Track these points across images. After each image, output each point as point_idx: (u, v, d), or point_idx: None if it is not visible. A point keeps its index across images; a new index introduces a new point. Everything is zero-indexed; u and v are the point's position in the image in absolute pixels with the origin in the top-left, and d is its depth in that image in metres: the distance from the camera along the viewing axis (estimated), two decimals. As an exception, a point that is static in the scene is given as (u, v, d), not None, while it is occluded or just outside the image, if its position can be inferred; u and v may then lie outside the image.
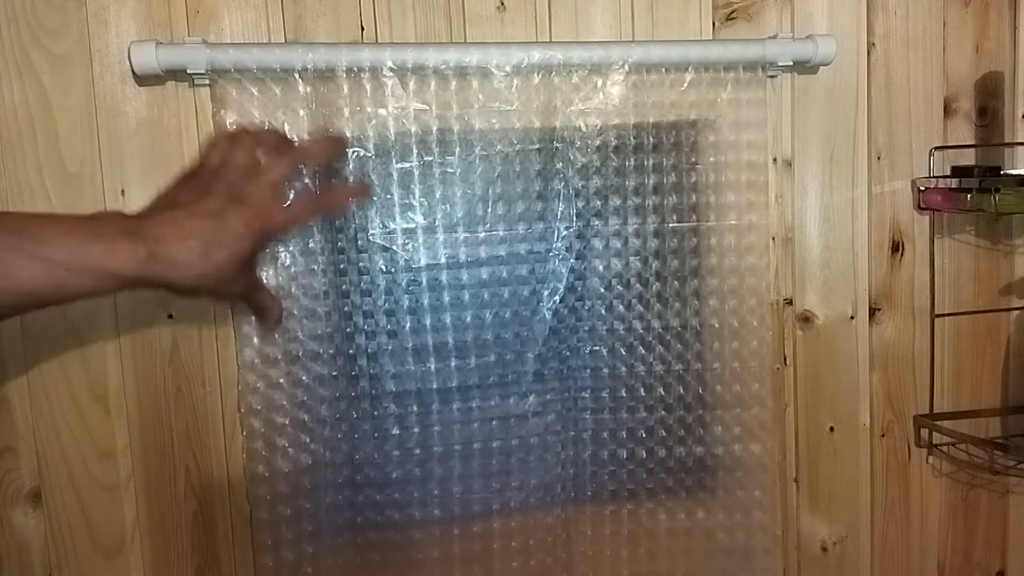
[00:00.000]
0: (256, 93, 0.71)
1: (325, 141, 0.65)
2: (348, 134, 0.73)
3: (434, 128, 0.75)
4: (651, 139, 0.79)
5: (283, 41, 0.75)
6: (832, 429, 0.91)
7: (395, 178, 0.75)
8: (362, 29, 0.77)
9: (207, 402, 0.78)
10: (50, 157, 0.72)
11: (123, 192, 0.74)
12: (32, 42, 0.71)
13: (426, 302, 0.77)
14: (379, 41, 0.77)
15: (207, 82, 0.72)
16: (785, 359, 0.89)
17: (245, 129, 0.58)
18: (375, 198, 0.75)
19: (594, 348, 0.81)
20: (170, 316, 0.76)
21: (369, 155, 0.74)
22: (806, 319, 0.89)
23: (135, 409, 0.76)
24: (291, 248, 0.74)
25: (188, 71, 0.70)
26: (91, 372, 0.75)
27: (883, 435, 0.93)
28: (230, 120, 0.71)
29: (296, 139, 0.62)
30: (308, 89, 0.72)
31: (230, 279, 0.51)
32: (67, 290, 0.45)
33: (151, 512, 0.78)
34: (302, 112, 0.72)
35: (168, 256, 0.47)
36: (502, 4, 0.79)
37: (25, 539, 0.76)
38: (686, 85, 0.78)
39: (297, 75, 0.71)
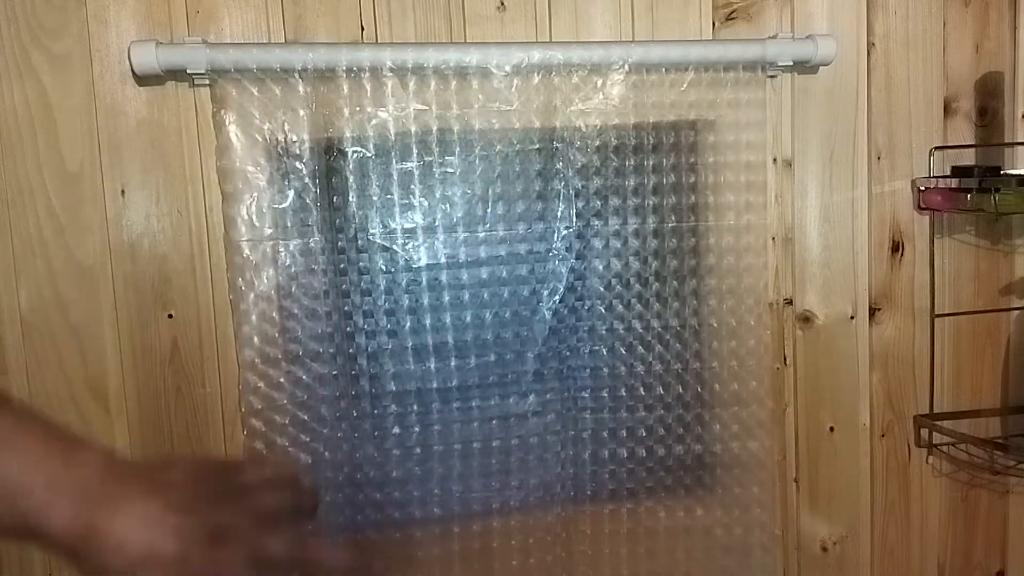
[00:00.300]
0: (256, 93, 0.71)
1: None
2: (348, 134, 0.73)
3: (434, 128, 0.75)
4: (651, 139, 0.79)
5: (283, 41, 0.75)
6: (832, 429, 0.91)
7: (395, 178, 0.75)
8: (362, 29, 0.77)
9: (207, 402, 0.78)
10: (50, 157, 0.72)
11: (123, 192, 0.74)
12: (32, 42, 0.71)
13: (426, 302, 0.77)
14: (379, 41, 0.77)
15: (207, 82, 0.72)
16: (785, 359, 0.89)
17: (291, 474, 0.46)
18: (375, 199, 0.75)
19: (594, 348, 0.81)
20: (170, 316, 0.76)
21: (369, 155, 0.74)
22: (806, 319, 0.89)
23: (135, 409, 0.76)
24: (292, 248, 0.74)
25: (188, 71, 0.70)
26: (91, 372, 0.75)
27: (883, 435, 0.93)
28: (230, 119, 0.71)
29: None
30: (308, 89, 0.72)
31: None
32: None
33: (151, 512, 0.78)
34: (302, 112, 0.72)
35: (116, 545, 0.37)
36: (502, 4, 0.79)
37: (25, 539, 0.75)
38: (686, 85, 0.78)
39: (297, 75, 0.71)
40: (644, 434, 0.83)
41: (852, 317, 0.90)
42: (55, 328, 0.74)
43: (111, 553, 0.37)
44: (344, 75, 0.72)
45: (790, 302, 0.89)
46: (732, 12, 0.84)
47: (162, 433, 0.77)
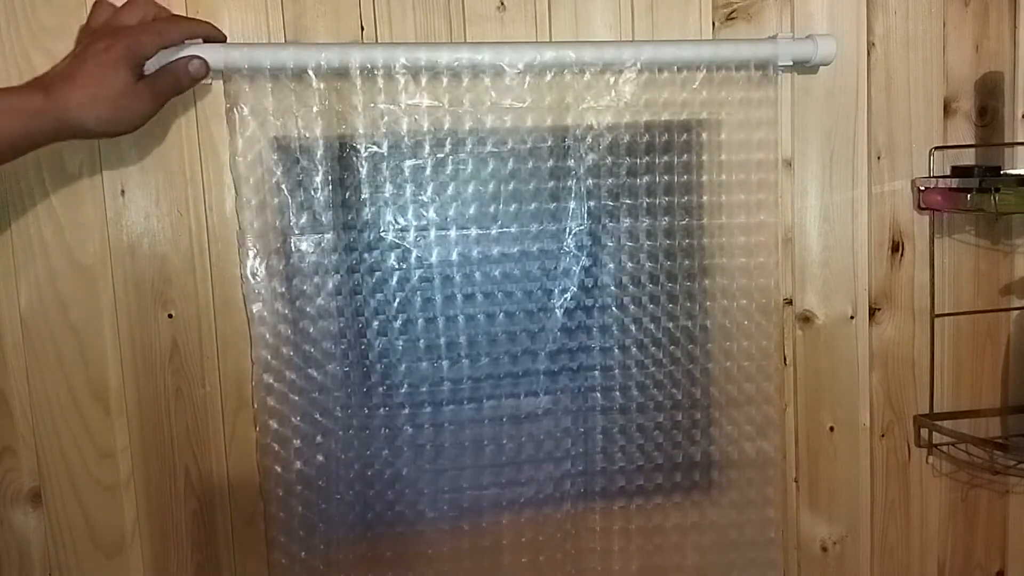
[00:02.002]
0: (268, 91, 0.72)
1: (199, 26, 0.71)
2: (360, 132, 0.74)
3: (446, 126, 0.75)
4: (661, 138, 0.80)
5: (283, 41, 0.75)
6: (832, 429, 0.91)
7: (408, 176, 0.76)
8: (362, 29, 0.77)
9: (207, 402, 0.78)
10: (50, 157, 0.72)
11: (123, 192, 0.74)
12: (32, 42, 0.71)
13: (438, 300, 0.78)
14: (379, 41, 0.77)
15: (208, 82, 0.72)
16: (785, 359, 0.89)
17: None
18: (387, 195, 0.75)
19: (605, 346, 0.81)
20: (170, 316, 0.76)
21: (382, 153, 0.75)
22: (806, 319, 0.89)
23: (135, 409, 0.76)
24: (304, 246, 0.74)
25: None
26: (91, 372, 0.75)
27: (883, 435, 0.93)
28: (240, 117, 0.71)
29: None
30: (320, 87, 0.72)
31: (136, 108, 0.64)
32: None
33: (151, 512, 0.78)
34: (314, 110, 0.72)
35: (66, 95, 0.60)
36: (502, 4, 0.79)
37: (25, 539, 0.76)
38: (696, 84, 0.78)
39: (310, 73, 0.71)
40: (655, 432, 0.83)
41: (852, 317, 0.90)
42: (55, 328, 0.74)
43: (79, 107, 0.60)
44: (357, 73, 0.72)
45: (790, 302, 0.89)
46: (732, 12, 0.84)
47: (162, 433, 0.77)
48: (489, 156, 0.77)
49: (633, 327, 0.82)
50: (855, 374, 0.91)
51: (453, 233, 0.77)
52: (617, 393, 0.82)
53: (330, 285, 0.75)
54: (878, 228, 0.90)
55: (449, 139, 0.76)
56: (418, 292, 0.77)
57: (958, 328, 0.93)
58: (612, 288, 0.81)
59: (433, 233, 0.77)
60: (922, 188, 0.89)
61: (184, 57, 0.67)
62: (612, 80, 0.77)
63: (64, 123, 0.60)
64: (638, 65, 0.76)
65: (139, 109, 0.64)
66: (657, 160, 0.80)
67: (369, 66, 0.72)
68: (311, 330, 0.75)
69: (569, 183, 0.79)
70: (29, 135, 0.59)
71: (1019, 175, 0.85)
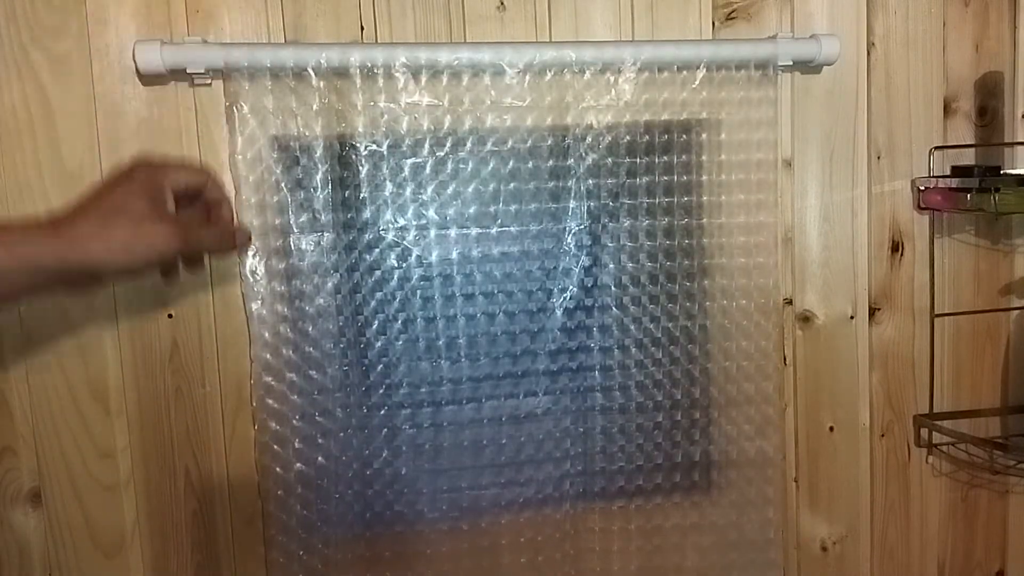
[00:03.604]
0: (268, 91, 0.72)
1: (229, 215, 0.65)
2: (360, 131, 0.74)
3: (445, 125, 0.76)
4: (661, 137, 0.80)
5: (283, 41, 0.75)
6: (832, 429, 0.91)
7: (407, 175, 0.76)
8: (362, 29, 0.77)
9: (207, 402, 0.78)
10: (50, 157, 0.72)
11: (123, 192, 0.74)
12: (32, 42, 0.71)
13: (438, 300, 0.78)
14: (379, 41, 0.77)
15: (207, 81, 0.73)
16: (785, 359, 0.89)
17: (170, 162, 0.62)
18: (387, 195, 0.76)
19: (605, 346, 0.81)
20: (170, 316, 0.76)
21: (381, 152, 0.75)
22: (806, 319, 0.89)
23: (135, 409, 0.76)
24: (304, 245, 0.74)
25: (188, 71, 0.70)
26: (91, 372, 0.75)
27: (883, 435, 0.93)
28: (240, 117, 0.71)
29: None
30: (320, 86, 0.72)
31: (153, 244, 0.56)
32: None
33: (151, 512, 0.78)
34: (314, 110, 0.72)
35: (75, 225, 0.53)
36: (502, 4, 0.79)
37: (25, 539, 0.76)
38: (696, 84, 0.78)
39: (310, 72, 0.71)
40: (654, 432, 0.83)
41: (852, 317, 0.90)
42: (55, 328, 0.74)
43: (100, 257, 0.53)
44: (357, 72, 0.72)
45: (790, 302, 0.89)
46: (732, 12, 0.84)
47: (162, 433, 0.77)
48: (489, 155, 0.77)
49: (633, 327, 0.82)
50: (855, 374, 0.91)
51: (453, 232, 0.77)
52: (617, 393, 0.82)
53: (330, 284, 0.75)
54: (878, 228, 0.90)
55: (449, 138, 0.76)
56: (418, 292, 0.78)
57: (958, 328, 0.93)
58: (612, 288, 0.81)
59: (433, 232, 0.77)
60: (922, 188, 0.89)
61: (237, 227, 0.64)
62: (612, 80, 0.77)
63: (71, 257, 0.52)
64: (638, 65, 0.76)
65: (157, 245, 0.55)
66: (657, 160, 0.80)
67: (369, 65, 0.72)
68: (311, 330, 0.75)
69: (569, 183, 0.79)
70: (30, 273, 0.51)
71: (1019, 175, 0.85)
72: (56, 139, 0.72)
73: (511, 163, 0.77)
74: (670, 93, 0.79)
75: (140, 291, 0.75)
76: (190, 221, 0.60)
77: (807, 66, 0.83)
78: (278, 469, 0.76)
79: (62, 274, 0.53)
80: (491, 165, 0.77)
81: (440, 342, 0.78)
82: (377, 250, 0.77)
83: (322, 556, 0.77)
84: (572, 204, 0.79)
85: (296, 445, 0.76)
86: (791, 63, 0.80)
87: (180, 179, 0.60)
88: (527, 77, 0.75)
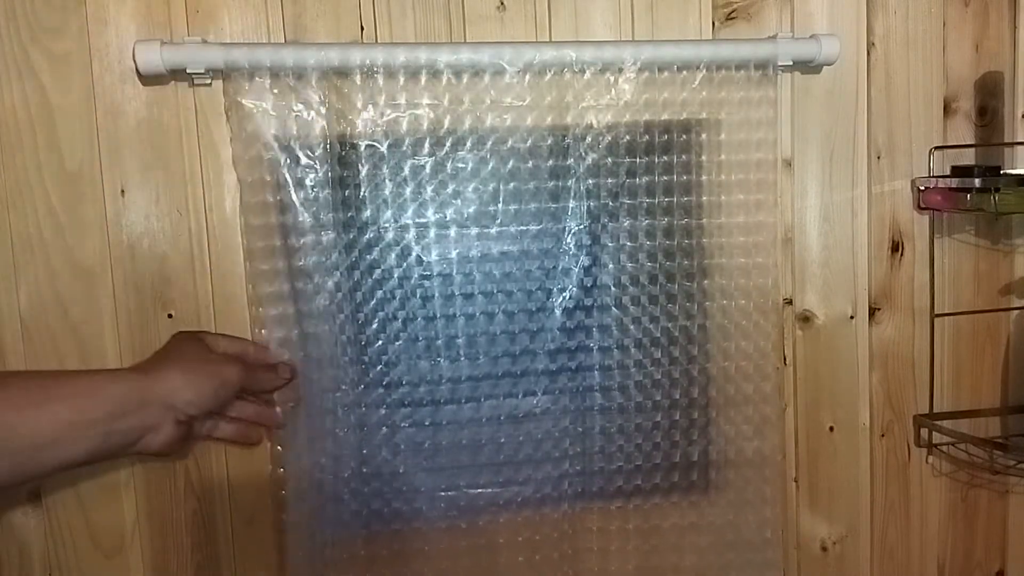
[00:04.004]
0: (268, 91, 0.72)
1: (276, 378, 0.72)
2: (360, 132, 0.74)
3: (445, 125, 0.75)
4: (661, 137, 0.80)
5: (283, 41, 0.75)
6: (832, 429, 0.91)
7: (407, 174, 0.76)
8: (362, 29, 0.77)
9: (207, 402, 0.77)
10: (50, 157, 0.72)
11: (123, 192, 0.74)
12: (32, 42, 0.71)
13: (438, 299, 0.78)
14: (379, 41, 0.77)
15: (207, 81, 0.73)
16: (785, 359, 0.89)
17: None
18: (387, 194, 0.76)
19: (604, 346, 0.81)
20: (170, 316, 0.76)
21: (382, 152, 0.75)
22: (806, 319, 0.89)
23: (135, 409, 0.76)
24: (304, 245, 0.74)
25: (188, 71, 0.70)
26: (91, 372, 0.75)
27: (883, 435, 0.93)
28: (241, 117, 0.71)
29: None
30: (320, 86, 0.72)
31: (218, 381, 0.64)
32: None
33: (151, 512, 0.78)
34: (314, 109, 0.72)
35: (162, 368, 0.60)
36: (502, 4, 0.79)
37: (25, 539, 0.76)
38: (696, 84, 0.78)
39: (310, 73, 0.71)
40: (654, 432, 0.83)
41: (852, 317, 0.90)
42: (55, 328, 0.74)
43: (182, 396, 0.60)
44: (357, 72, 0.72)
45: (790, 302, 0.89)
46: (732, 12, 0.84)
47: (162, 433, 0.77)
48: (489, 155, 0.77)
49: (632, 327, 0.82)
50: (855, 374, 0.91)
51: (452, 232, 0.77)
52: (616, 393, 0.82)
53: (330, 284, 0.75)
54: (878, 228, 0.90)
55: (449, 138, 0.76)
56: (417, 291, 0.77)
57: (958, 328, 0.93)
58: (611, 287, 0.81)
59: (433, 232, 0.77)
60: (922, 188, 0.89)
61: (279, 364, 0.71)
62: (612, 80, 0.77)
63: (154, 398, 0.58)
64: (638, 65, 0.76)
65: (223, 373, 0.64)
66: (656, 160, 0.80)
67: (369, 64, 0.72)
68: (310, 329, 0.75)
69: (569, 182, 0.79)
70: (112, 417, 0.56)
71: (1019, 175, 0.85)
72: (56, 139, 0.72)
73: (511, 163, 0.77)
74: (670, 93, 0.79)
75: (140, 291, 0.75)
76: (238, 364, 0.66)
77: (807, 66, 0.83)
78: (278, 469, 0.76)
79: (139, 417, 0.57)
80: (491, 165, 0.77)
81: (439, 341, 0.78)
82: (377, 249, 0.77)
83: (321, 554, 0.77)
84: (572, 204, 0.79)
85: (295, 443, 0.76)
86: (791, 63, 0.80)
87: (218, 341, 0.67)
88: (527, 77, 0.75)
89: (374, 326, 0.77)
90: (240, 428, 0.73)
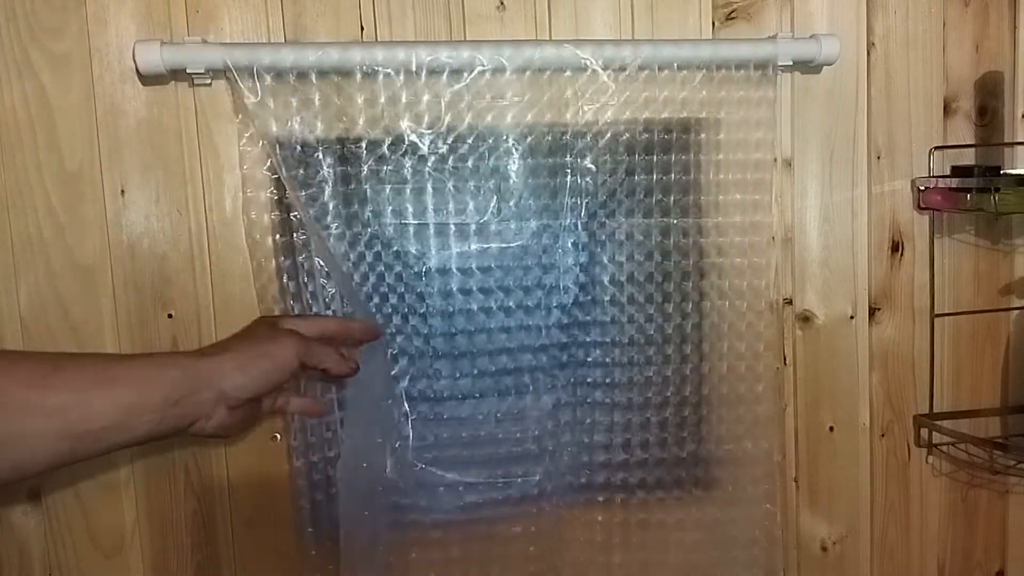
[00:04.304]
0: (269, 91, 0.72)
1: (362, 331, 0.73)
2: (360, 132, 0.74)
3: (445, 123, 0.75)
4: (659, 137, 0.79)
5: (283, 41, 0.75)
6: (832, 429, 0.91)
7: (407, 173, 0.76)
8: (362, 29, 0.77)
9: (207, 402, 0.77)
10: (50, 157, 0.72)
11: (123, 192, 0.74)
12: (32, 42, 0.71)
13: (438, 299, 0.78)
14: (379, 40, 0.77)
15: (207, 81, 0.73)
16: (785, 359, 0.89)
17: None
18: (388, 193, 0.76)
19: (602, 343, 0.81)
20: (170, 316, 0.76)
21: (382, 152, 0.75)
22: (806, 319, 0.89)
23: (135, 409, 0.76)
24: (304, 244, 0.74)
25: (188, 71, 0.70)
26: (91, 372, 0.75)
27: (883, 435, 0.93)
28: (243, 112, 0.72)
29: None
30: (321, 87, 0.72)
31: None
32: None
33: (151, 512, 0.78)
34: (315, 110, 0.72)
35: (219, 353, 0.60)
36: (502, 4, 0.79)
37: (25, 539, 0.76)
38: (696, 83, 0.78)
39: (311, 73, 0.71)
40: (653, 431, 0.83)
41: (852, 317, 0.90)
42: (55, 328, 0.74)
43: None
44: (357, 71, 0.72)
45: (790, 302, 0.89)
46: (732, 12, 0.84)
47: (162, 433, 0.77)
48: (488, 153, 0.77)
49: (630, 325, 0.82)
50: (855, 374, 0.91)
51: (452, 229, 0.77)
52: (615, 391, 0.82)
53: (329, 287, 0.75)
54: (878, 228, 0.90)
55: (449, 136, 0.76)
56: (417, 288, 0.78)
57: (958, 328, 0.93)
58: (609, 286, 0.81)
59: (432, 229, 0.77)
60: (922, 188, 0.89)
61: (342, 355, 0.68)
62: (611, 78, 0.77)
63: (204, 384, 0.57)
64: (637, 64, 0.76)
65: (281, 352, 0.62)
66: (655, 159, 0.80)
67: (369, 63, 0.72)
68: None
69: (567, 181, 0.79)
70: (167, 402, 0.55)
71: (1019, 175, 0.85)
72: (56, 139, 0.72)
73: (510, 161, 0.77)
74: (669, 92, 0.78)
75: (140, 291, 0.75)
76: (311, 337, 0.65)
77: (807, 66, 0.83)
78: (278, 467, 0.76)
79: (191, 399, 0.56)
80: (490, 163, 0.77)
81: (438, 338, 0.78)
82: (377, 247, 0.77)
83: (321, 552, 0.77)
84: (570, 202, 0.79)
85: (295, 442, 0.76)
86: (791, 63, 0.80)
87: (296, 323, 0.66)
88: (526, 75, 0.75)
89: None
90: (307, 401, 0.73)
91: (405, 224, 0.77)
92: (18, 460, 0.46)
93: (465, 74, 0.75)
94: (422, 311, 0.78)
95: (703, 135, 0.81)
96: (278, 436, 0.78)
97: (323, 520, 0.77)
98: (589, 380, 0.82)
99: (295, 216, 0.74)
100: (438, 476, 0.79)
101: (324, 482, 0.77)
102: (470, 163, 0.77)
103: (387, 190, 0.76)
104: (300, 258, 0.74)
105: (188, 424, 0.58)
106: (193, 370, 0.57)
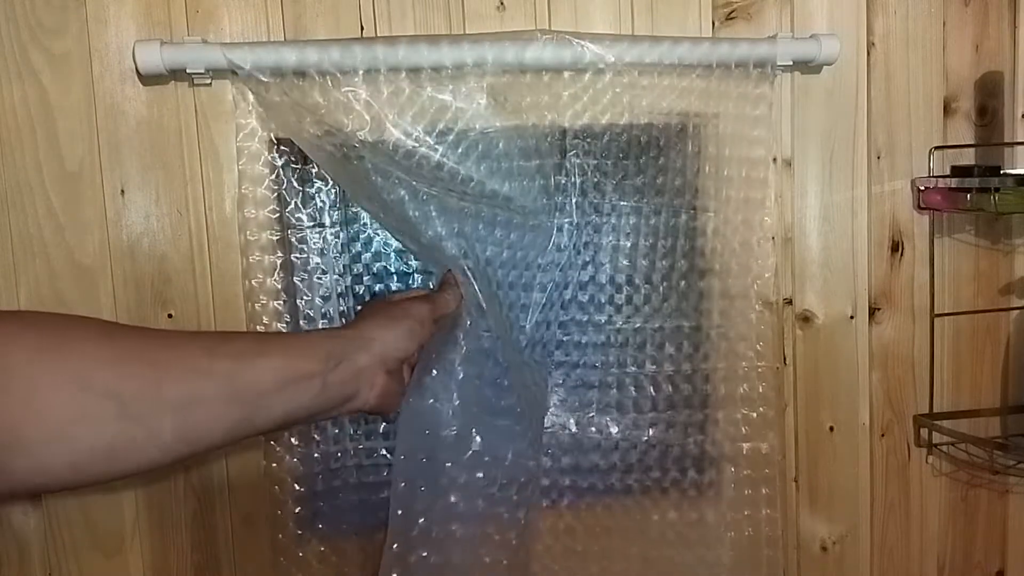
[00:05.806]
0: (269, 91, 0.71)
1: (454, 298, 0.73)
2: (359, 132, 0.74)
3: (445, 122, 0.75)
4: (655, 136, 0.79)
5: (283, 40, 0.75)
6: (832, 429, 0.91)
7: (405, 175, 0.75)
8: (361, 28, 0.77)
9: (207, 402, 0.77)
10: (50, 157, 0.72)
11: (122, 192, 0.74)
12: (32, 42, 0.71)
13: None
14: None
15: (207, 81, 0.73)
16: (785, 359, 0.89)
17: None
18: (385, 196, 0.75)
19: (599, 342, 0.81)
20: (170, 316, 0.76)
21: (381, 152, 0.74)
22: (806, 319, 0.89)
23: (135, 409, 0.76)
24: (303, 243, 0.74)
25: (188, 71, 0.70)
26: (91, 372, 0.75)
27: (883, 435, 0.93)
28: (243, 117, 0.72)
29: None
30: (321, 86, 0.72)
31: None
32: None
33: (151, 512, 0.78)
34: (314, 109, 0.72)
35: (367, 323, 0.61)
36: (501, 3, 0.79)
37: (25, 538, 0.76)
38: (693, 80, 0.78)
39: (312, 73, 0.71)
40: (652, 431, 0.83)
41: (852, 317, 0.90)
42: (55, 328, 0.74)
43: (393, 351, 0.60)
44: (357, 70, 0.72)
45: (790, 302, 0.89)
46: (732, 12, 0.84)
47: (162, 433, 0.77)
48: (487, 152, 0.77)
49: (628, 325, 0.81)
50: (855, 374, 0.91)
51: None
52: (614, 391, 0.82)
53: (328, 285, 0.75)
54: (878, 228, 0.90)
55: (449, 136, 0.76)
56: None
57: (958, 328, 0.93)
58: (607, 286, 0.81)
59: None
60: (922, 188, 0.89)
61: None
62: (610, 77, 0.77)
63: (361, 349, 0.58)
64: (636, 63, 0.76)
65: (417, 308, 0.65)
66: (653, 158, 0.80)
67: (369, 62, 0.72)
68: (310, 327, 0.75)
69: (565, 180, 0.78)
70: (327, 369, 0.55)
71: (1019, 175, 0.85)
72: (56, 139, 0.72)
73: (508, 160, 0.77)
74: (669, 92, 0.78)
75: (140, 291, 0.75)
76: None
77: (807, 66, 0.83)
78: (276, 466, 0.76)
79: (346, 369, 0.56)
80: (488, 161, 0.77)
81: None
82: (376, 246, 0.77)
83: (321, 553, 0.77)
84: (568, 201, 0.79)
85: (294, 441, 0.76)
86: (791, 63, 0.80)
87: (400, 295, 0.68)
88: (524, 76, 0.75)
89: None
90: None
91: (404, 223, 0.77)
92: (195, 427, 0.47)
93: (465, 72, 0.74)
94: None
95: (702, 135, 0.81)
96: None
97: (322, 520, 0.77)
98: (590, 381, 0.82)
99: (291, 214, 0.74)
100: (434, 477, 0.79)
101: (324, 481, 0.77)
102: (470, 161, 0.77)
103: (386, 189, 0.75)
104: (294, 255, 0.74)
105: (353, 392, 0.57)
106: (344, 338, 0.58)
